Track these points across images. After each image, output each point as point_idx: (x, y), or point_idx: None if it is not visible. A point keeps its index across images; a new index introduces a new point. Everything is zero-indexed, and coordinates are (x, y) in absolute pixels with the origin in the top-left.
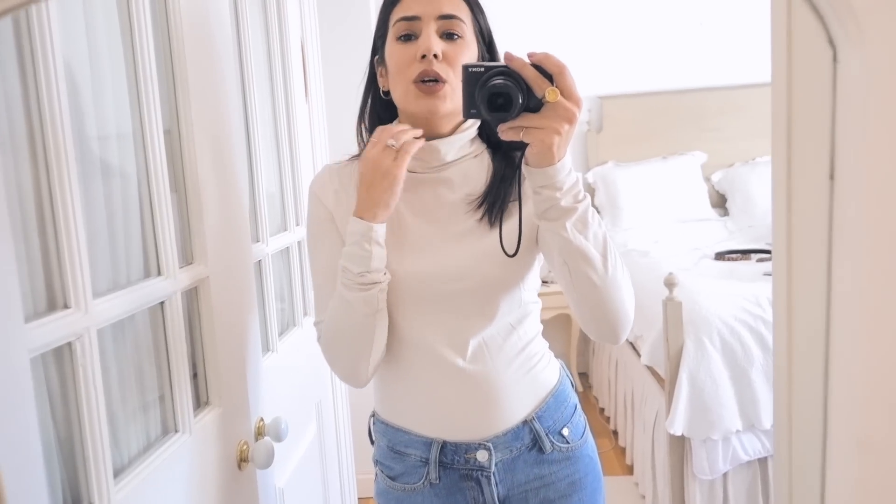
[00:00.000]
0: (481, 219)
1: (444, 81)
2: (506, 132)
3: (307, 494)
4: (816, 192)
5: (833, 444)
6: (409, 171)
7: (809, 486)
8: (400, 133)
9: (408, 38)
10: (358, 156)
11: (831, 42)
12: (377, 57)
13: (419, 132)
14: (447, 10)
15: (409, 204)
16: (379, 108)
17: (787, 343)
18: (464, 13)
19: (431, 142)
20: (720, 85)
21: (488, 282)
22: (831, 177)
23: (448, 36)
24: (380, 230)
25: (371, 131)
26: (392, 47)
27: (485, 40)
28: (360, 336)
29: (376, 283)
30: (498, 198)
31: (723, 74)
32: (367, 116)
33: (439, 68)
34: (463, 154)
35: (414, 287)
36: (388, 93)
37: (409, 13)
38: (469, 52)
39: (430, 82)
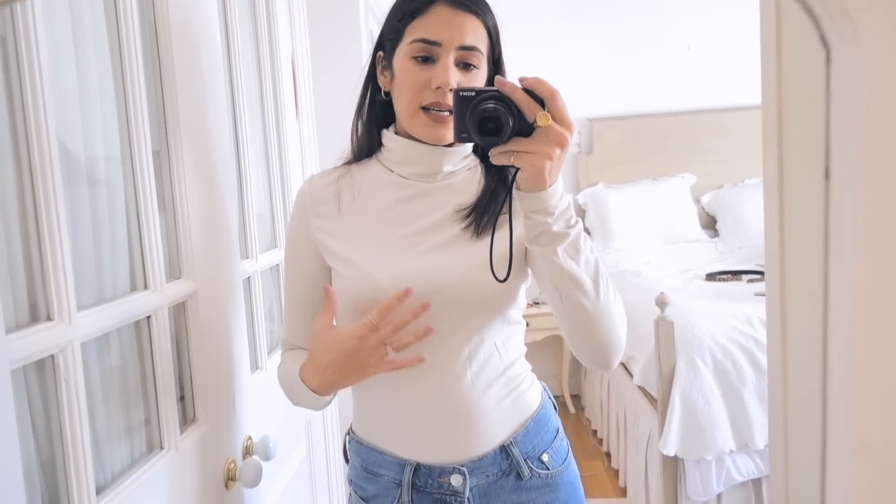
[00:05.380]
0: (468, 228)
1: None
2: (497, 157)
3: None
4: (811, 193)
5: (833, 449)
6: (404, 178)
7: (807, 500)
8: (405, 341)
9: (425, 60)
10: (347, 163)
11: (824, 42)
12: (380, 55)
13: (422, 359)
14: (469, 42)
15: (399, 210)
16: (377, 107)
17: (781, 349)
18: (482, 43)
19: (435, 148)
20: (709, 108)
21: (474, 292)
22: (827, 176)
23: (465, 66)
24: (326, 399)
25: (369, 127)
26: (406, 64)
27: (495, 65)
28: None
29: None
30: (488, 210)
31: (712, 97)
32: (364, 113)
33: (449, 98)
34: (459, 166)
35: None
36: (388, 93)
37: (432, 37)
38: (480, 82)
39: (439, 111)
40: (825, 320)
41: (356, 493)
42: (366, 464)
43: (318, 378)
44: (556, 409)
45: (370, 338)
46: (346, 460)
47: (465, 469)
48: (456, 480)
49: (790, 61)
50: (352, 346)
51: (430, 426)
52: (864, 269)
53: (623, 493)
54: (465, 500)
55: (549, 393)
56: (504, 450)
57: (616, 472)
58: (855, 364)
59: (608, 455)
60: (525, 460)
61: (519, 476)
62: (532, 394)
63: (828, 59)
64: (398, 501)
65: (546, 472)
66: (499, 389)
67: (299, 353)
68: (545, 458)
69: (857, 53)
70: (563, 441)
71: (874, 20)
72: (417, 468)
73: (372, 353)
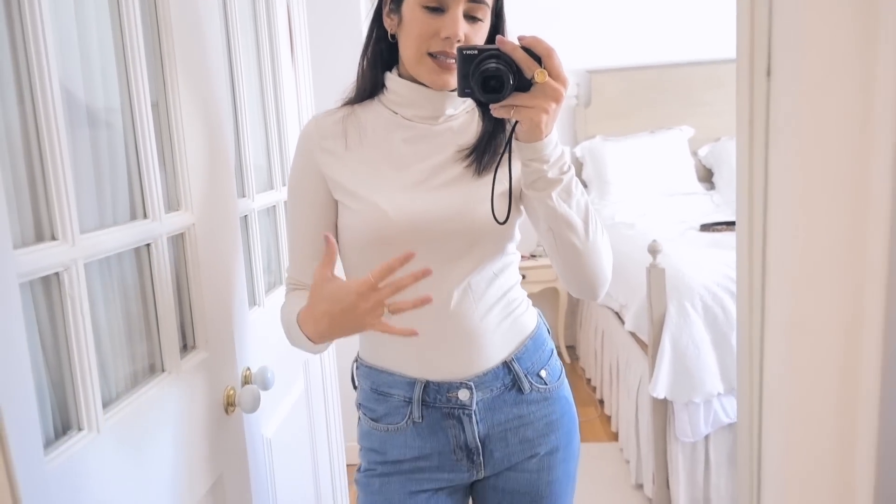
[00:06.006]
0: (470, 167)
1: None
2: (498, 111)
3: (294, 447)
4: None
5: (768, 327)
6: (408, 120)
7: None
8: (402, 306)
9: (435, 10)
10: (349, 103)
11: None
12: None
13: (415, 332)
14: None
15: (404, 150)
16: (383, 48)
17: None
18: None
19: (439, 92)
20: (707, 59)
21: (477, 224)
22: (768, 73)
23: (471, 19)
24: (320, 346)
25: (373, 69)
26: (415, 11)
27: (496, 17)
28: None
29: None
30: (487, 150)
31: (710, 49)
32: (369, 54)
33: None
34: (459, 109)
35: (406, 228)
36: (394, 36)
37: None
38: (484, 34)
39: (446, 59)
40: (764, 213)
41: (366, 415)
42: (376, 385)
43: (313, 325)
44: (549, 332)
45: (369, 296)
46: (355, 387)
47: (471, 384)
48: (463, 395)
49: None
50: (349, 302)
51: (438, 346)
52: (802, 158)
53: (615, 437)
54: (472, 413)
55: (544, 318)
56: (506, 365)
57: (608, 418)
58: (791, 256)
59: (601, 402)
60: (525, 375)
61: (520, 390)
62: (529, 316)
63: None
64: (409, 417)
65: (544, 386)
66: (499, 312)
67: (302, 294)
68: (543, 373)
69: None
70: (557, 361)
71: None
72: (427, 385)
73: (369, 312)
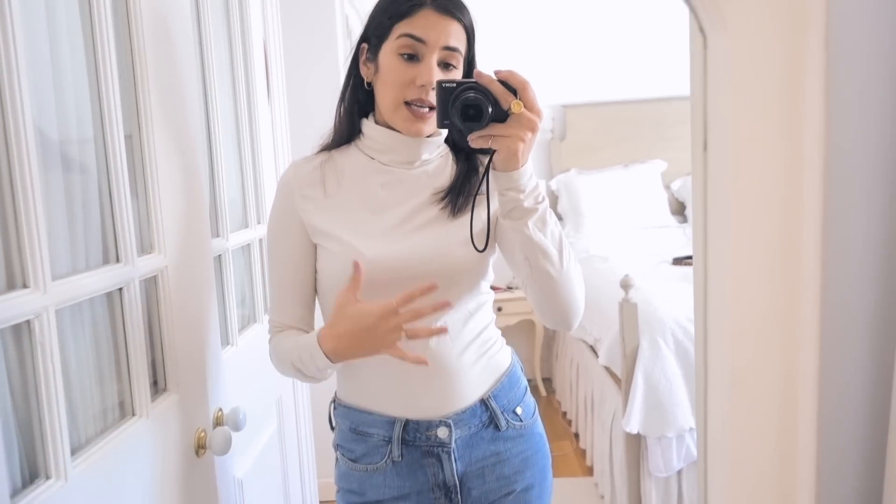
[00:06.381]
0: (445, 209)
1: (433, 108)
2: (476, 140)
3: (266, 487)
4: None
5: (711, 375)
6: (384, 165)
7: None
8: (419, 332)
9: (411, 57)
10: (325, 148)
11: (701, 30)
12: (365, 47)
13: (426, 361)
14: (453, 43)
15: (382, 195)
16: (360, 95)
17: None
18: (462, 45)
19: (414, 139)
20: (679, 95)
21: (453, 266)
22: (705, 148)
23: (445, 65)
24: (328, 371)
25: (350, 116)
26: (391, 59)
27: (468, 66)
28: (303, 379)
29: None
30: (462, 192)
31: (681, 86)
32: (346, 101)
33: (431, 96)
34: (434, 154)
35: (384, 270)
36: (370, 84)
37: (419, 35)
38: None
39: (420, 107)
40: (705, 270)
41: (344, 455)
42: (354, 425)
43: (334, 343)
44: (523, 370)
45: (389, 319)
46: (332, 427)
47: (450, 421)
48: (443, 432)
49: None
50: (370, 323)
51: (417, 385)
52: (736, 224)
53: (590, 471)
54: (451, 450)
55: (517, 356)
56: (484, 403)
57: (584, 452)
58: (728, 307)
59: (577, 436)
60: (502, 412)
61: (497, 427)
62: (503, 354)
63: (705, 45)
64: (388, 457)
65: (520, 423)
66: (475, 350)
67: (292, 334)
68: (518, 410)
69: (726, 39)
70: (531, 398)
71: (740, 9)
72: (407, 424)
73: (388, 335)
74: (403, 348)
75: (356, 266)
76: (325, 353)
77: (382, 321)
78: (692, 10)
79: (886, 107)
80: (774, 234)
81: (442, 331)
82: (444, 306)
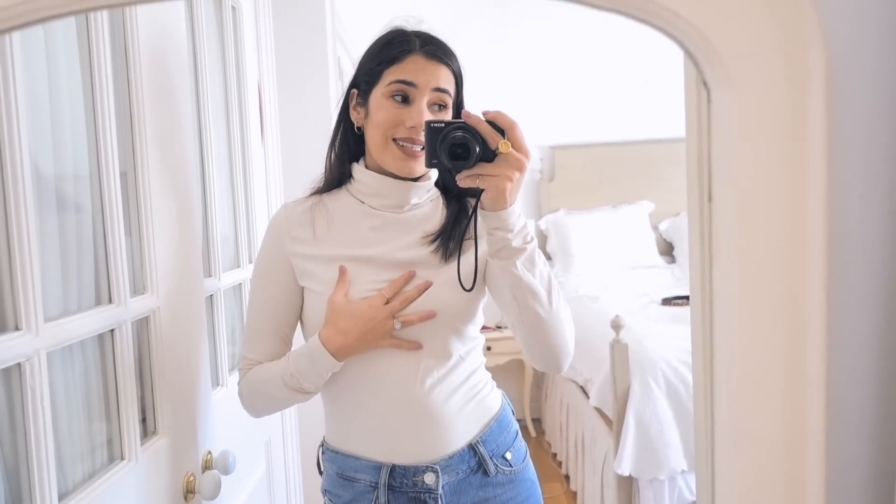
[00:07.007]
0: (436, 253)
1: (424, 148)
2: (464, 179)
3: None
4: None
5: (719, 436)
6: (374, 209)
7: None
8: (411, 318)
9: (403, 100)
10: (317, 192)
11: (705, 84)
12: (355, 93)
13: (420, 346)
14: (442, 85)
15: (371, 237)
16: (350, 140)
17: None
18: (451, 87)
19: (403, 182)
20: (666, 137)
21: (442, 311)
22: (710, 199)
23: (438, 107)
24: (332, 371)
25: (341, 160)
26: (382, 102)
27: (457, 109)
28: (282, 405)
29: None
30: (452, 236)
31: (669, 128)
32: (337, 146)
33: (421, 136)
34: (424, 198)
35: None
36: (360, 128)
37: (409, 79)
38: None
39: (411, 146)
40: (711, 323)
41: (331, 501)
42: (342, 470)
43: (341, 339)
44: (513, 413)
45: (382, 309)
46: (320, 472)
47: (437, 467)
48: (429, 478)
49: (693, 101)
50: (369, 315)
51: (403, 430)
52: (741, 277)
53: None
54: (439, 496)
55: (508, 399)
56: (472, 448)
57: (574, 494)
58: (735, 361)
59: (567, 478)
60: (491, 458)
61: (486, 473)
62: (493, 398)
63: (709, 100)
64: (375, 503)
65: (509, 468)
66: (462, 395)
67: (275, 361)
68: (508, 455)
69: (730, 94)
70: (521, 442)
71: (744, 66)
72: (393, 469)
73: (383, 323)
74: (386, 407)
75: (342, 269)
76: (331, 353)
77: (377, 311)
78: (697, 65)
79: (889, 154)
80: (781, 287)
81: (431, 314)
82: (427, 286)
